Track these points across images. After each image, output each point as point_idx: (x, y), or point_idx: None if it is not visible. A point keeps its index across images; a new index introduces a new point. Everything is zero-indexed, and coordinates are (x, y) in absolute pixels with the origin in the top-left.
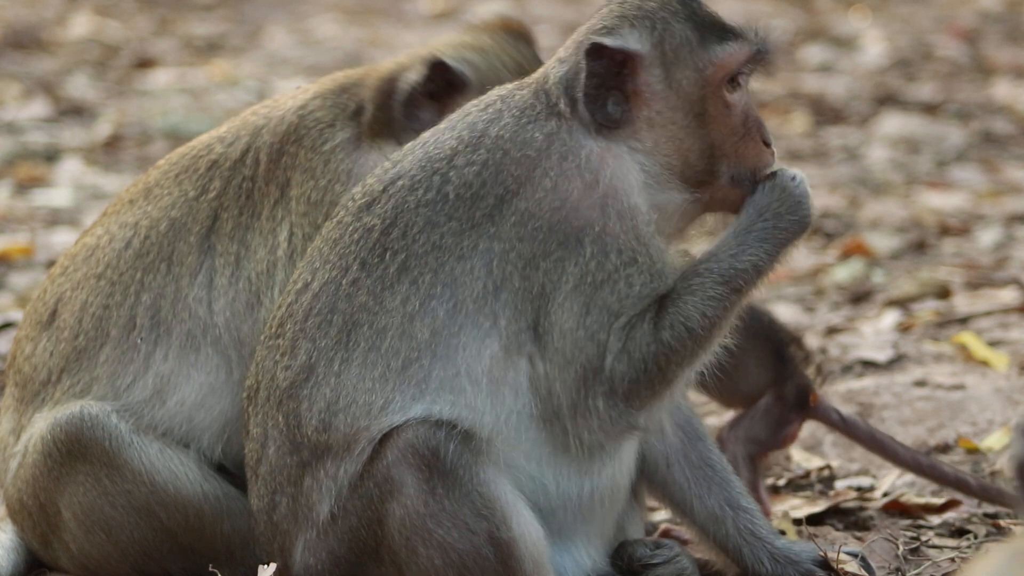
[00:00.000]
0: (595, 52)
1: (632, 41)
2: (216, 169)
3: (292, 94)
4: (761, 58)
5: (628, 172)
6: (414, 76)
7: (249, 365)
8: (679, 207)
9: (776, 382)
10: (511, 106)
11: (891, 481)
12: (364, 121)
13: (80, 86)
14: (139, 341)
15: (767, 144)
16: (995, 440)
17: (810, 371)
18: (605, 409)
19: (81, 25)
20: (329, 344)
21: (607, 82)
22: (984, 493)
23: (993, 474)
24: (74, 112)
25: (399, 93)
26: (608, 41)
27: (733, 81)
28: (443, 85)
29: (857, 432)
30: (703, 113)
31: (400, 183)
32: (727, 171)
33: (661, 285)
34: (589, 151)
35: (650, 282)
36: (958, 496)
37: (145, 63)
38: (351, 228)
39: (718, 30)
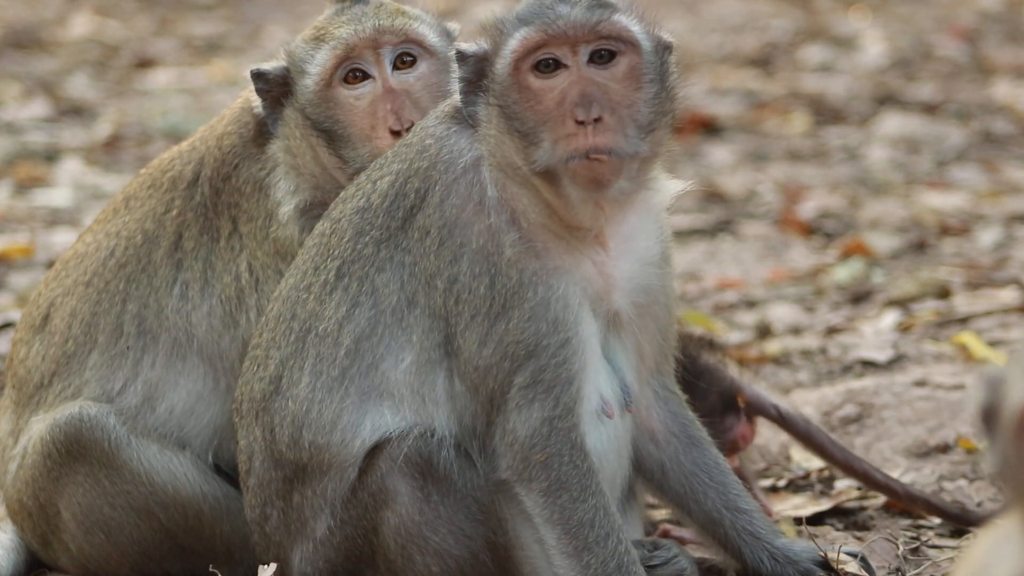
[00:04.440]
0: (459, 58)
1: (481, 43)
2: (176, 188)
3: (222, 114)
4: (556, 40)
5: (486, 182)
6: (253, 95)
7: (233, 377)
8: (541, 204)
9: (696, 398)
10: (439, 109)
11: None
12: (264, 139)
13: (80, 86)
14: (127, 348)
15: (579, 121)
16: None
17: (732, 368)
18: (502, 443)
19: (81, 25)
20: (289, 352)
21: (473, 86)
22: (911, 501)
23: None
24: (74, 112)
25: (255, 111)
26: (463, 46)
27: (540, 66)
28: (274, 89)
29: (794, 427)
30: (507, 104)
31: (350, 190)
32: (541, 159)
33: (548, 351)
34: (466, 162)
35: (537, 333)
36: (957, 497)
37: (145, 63)
38: (315, 234)
39: (527, 18)
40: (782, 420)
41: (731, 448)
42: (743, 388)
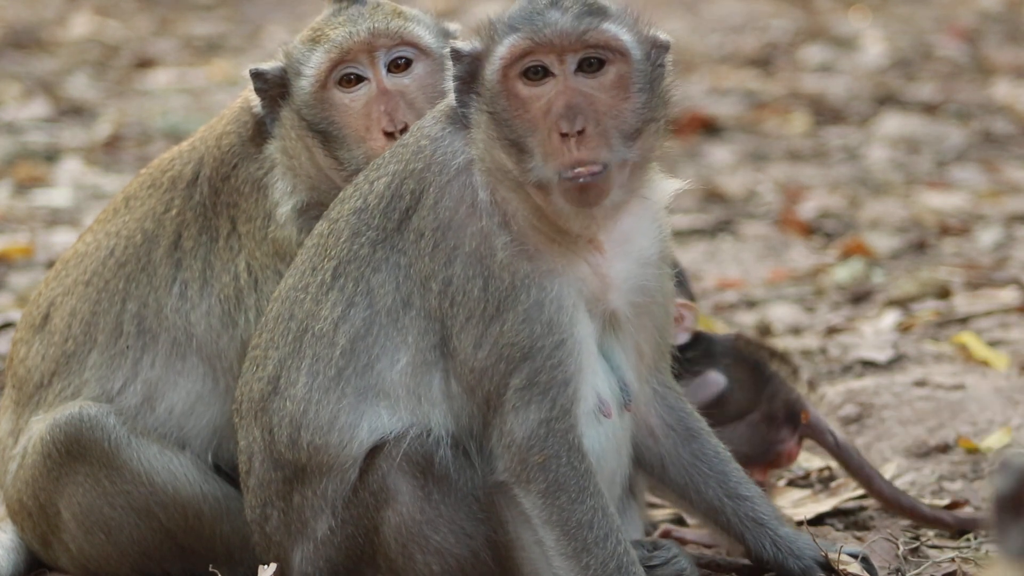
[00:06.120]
0: (454, 56)
1: (475, 43)
2: (175, 188)
3: (222, 114)
4: (543, 48)
5: (478, 185)
6: (252, 95)
7: (232, 377)
8: (532, 208)
9: (761, 400)
10: (436, 109)
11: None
12: (262, 139)
13: (80, 86)
14: (127, 348)
15: (563, 134)
16: (995, 440)
17: (799, 385)
18: (499, 445)
19: (81, 25)
20: (286, 353)
21: (467, 85)
22: (962, 526)
23: (992, 475)
24: (74, 112)
25: (255, 111)
26: (458, 44)
27: (528, 73)
28: (271, 89)
29: (848, 459)
30: (496, 111)
31: (348, 191)
32: (534, 171)
33: (543, 351)
34: (459, 164)
35: (532, 335)
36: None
37: (145, 63)
38: (314, 234)
39: (517, 24)
40: (837, 449)
41: (773, 462)
42: (808, 408)
